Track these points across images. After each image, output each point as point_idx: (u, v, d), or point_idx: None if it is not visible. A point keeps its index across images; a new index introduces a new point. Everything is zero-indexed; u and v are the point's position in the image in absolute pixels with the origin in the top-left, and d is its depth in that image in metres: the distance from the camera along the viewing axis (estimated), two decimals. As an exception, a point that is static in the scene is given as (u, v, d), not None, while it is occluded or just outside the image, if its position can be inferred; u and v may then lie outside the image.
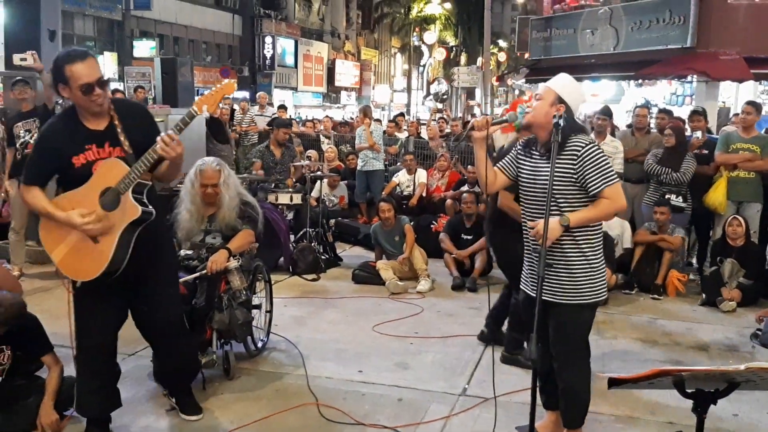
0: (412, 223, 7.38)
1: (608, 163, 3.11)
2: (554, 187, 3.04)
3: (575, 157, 3.08)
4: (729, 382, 2.35)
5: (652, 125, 8.53)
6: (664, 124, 7.60)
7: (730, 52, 13.40)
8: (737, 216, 6.58)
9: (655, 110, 11.77)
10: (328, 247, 7.68)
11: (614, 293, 6.30)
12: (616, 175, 3.12)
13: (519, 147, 3.38)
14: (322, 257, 7.33)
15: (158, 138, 3.04)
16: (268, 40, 30.16)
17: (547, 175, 3.06)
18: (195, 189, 4.40)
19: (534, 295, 2.96)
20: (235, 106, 12.22)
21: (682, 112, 13.14)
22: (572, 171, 3.08)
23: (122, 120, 3.18)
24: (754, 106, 7.07)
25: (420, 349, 5.03)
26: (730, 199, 6.81)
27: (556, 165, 3.05)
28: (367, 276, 6.86)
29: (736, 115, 9.37)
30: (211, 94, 2.97)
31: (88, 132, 3.17)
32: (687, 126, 8.11)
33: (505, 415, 3.83)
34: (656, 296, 6.50)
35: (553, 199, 3.06)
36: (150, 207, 3.18)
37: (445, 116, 16.47)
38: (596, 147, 3.12)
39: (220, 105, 11.41)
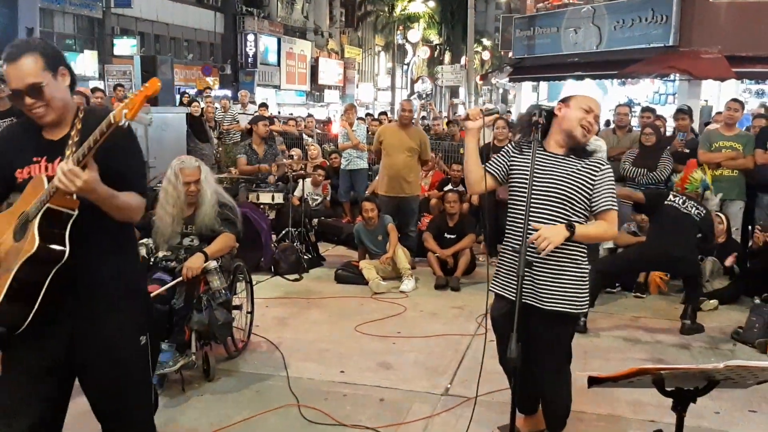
0: (395, 222, 7.35)
1: (614, 189, 3.17)
2: (570, 190, 3.05)
3: (597, 170, 3.09)
4: (708, 380, 2.35)
5: (633, 124, 8.57)
6: (648, 122, 7.63)
7: (712, 51, 13.52)
8: (719, 213, 6.61)
9: (637, 109, 11.86)
10: (311, 246, 7.64)
11: (598, 292, 6.30)
12: (617, 205, 3.17)
13: (510, 148, 3.29)
14: (305, 257, 7.28)
15: (59, 166, 2.25)
16: (251, 37, 30.01)
17: (560, 176, 3.06)
18: (178, 189, 4.30)
19: (513, 298, 2.90)
20: (217, 105, 12.13)
21: (665, 110, 13.25)
22: (590, 181, 3.08)
23: (84, 132, 2.38)
24: (739, 103, 7.14)
25: (402, 349, 5.01)
26: (713, 197, 6.84)
27: (575, 171, 3.07)
28: (350, 276, 6.83)
29: (719, 113, 9.44)
30: (133, 98, 2.35)
31: (43, 142, 2.49)
32: (674, 124, 8.15)
33: (487, 415, 3.81)
34: (639, 294, 6.51)
35: (564, 203, 3.05)
36: (64, 244, 2.31)
37: (428, 111, 16.45)
38: (612, 171, 3.19)
39: (201, 103, 11.33)
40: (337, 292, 6.52)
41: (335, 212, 9.65)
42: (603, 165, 3.12)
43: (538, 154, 3.08)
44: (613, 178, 3.15)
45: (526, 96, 20.79)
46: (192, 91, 21.76)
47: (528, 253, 2.91)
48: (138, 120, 2.38)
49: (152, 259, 4.31)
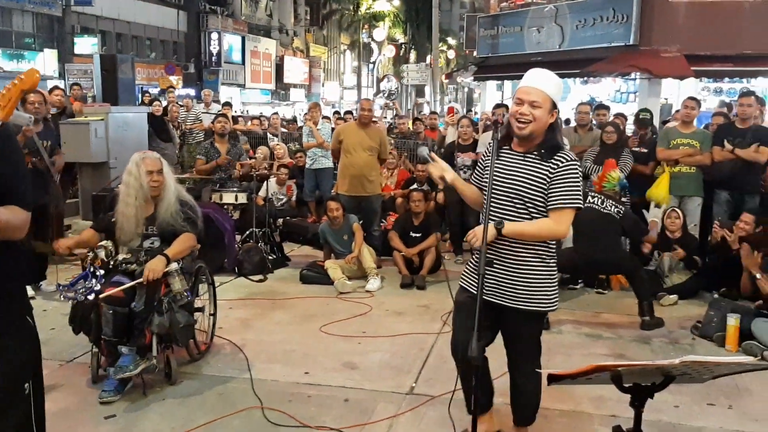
0: (361, 222, 7.34)
1: (580, 187, 3.03)
2: (528, 191, 2.99)
3: (555, 167, 2.98)
4: (665, 375, 2.38)
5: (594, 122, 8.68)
6: (604, 120, 7.74)
7: (671, 50, 13.76)
8: (675, 209, 6.73)
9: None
10: (275, 247, 7.58)
11: (559, 289, 6.36)
12: (579, 203, 3.03)
13: (484, 152, 3.29)
14: (269, 257, 7.23)
15: None
16: (214, 36, 29.75)
17: (521, 176, 3.01)
18: (140, 180, 4.23)
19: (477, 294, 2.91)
20: (179, 103, 11.99)
21: (627, 109, 13.44)
22: (547, 179, 2.99)
23: None
24: (696, 101, 7.27)
25: (368, 349, 5.00)
26: (672, 194, 6.96)
27: (535, 170, 2.99)
28: (315, 276, 6.80)
29: (678, 111, 9.61)
30: (5, 93, 2.01)
31: None
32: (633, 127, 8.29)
33: (451, 412, 3.82)
34: (600, 291, 6.60)
35: (526, 204, 3.01)
36: None
37: (393, 109, 16.45)
38: (577, 167, 3.04)
39: (163, 102, 11.18)
40: (302, 293, 6.48)
41: (301, 212, 9.60)
42: (564, 161, 2.98)
43: (503, 153, 3.08)
44: (576, 174, 3.01)
45: (490, 95, 20.93)
46: (155, 90, 21.50)
47: (488, 252, 2.92)
48: (14, 120, 1.90)
49: (111, 262, 4.24)
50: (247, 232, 7.49)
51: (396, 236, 7.24)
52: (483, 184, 3.15)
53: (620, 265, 5.78)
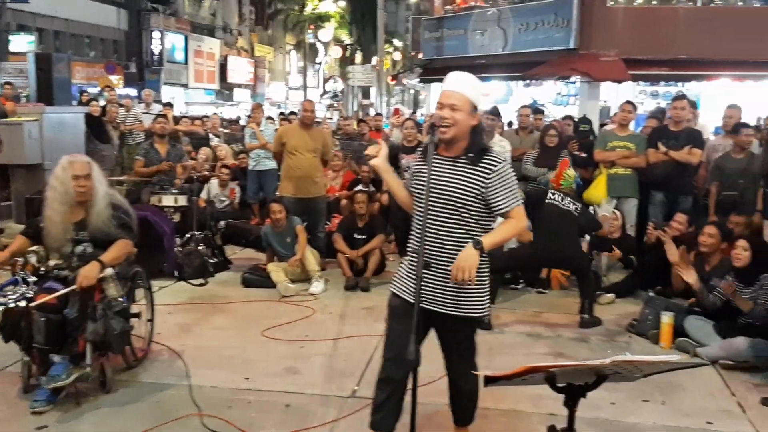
0: (305, 224, 7.29)
1: (516, 183, 3.08)
2: (461, 197, 2.98)
3: (489, 172, 2.98)
4: (597, 375, 2.43)
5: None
6: (540, 124, 7.90)
7: (610, 54, 14.10)
8: (614, 210, 6.89)
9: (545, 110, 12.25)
10: (217, 250, 7.47)
11: (501, 289, 6.44)
12: (520, 197, 3.09)
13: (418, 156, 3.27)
14: (210, 261, 7.10)
15: None
16: (156, 35, 29.10)
17: (453, 182, 3.00)
18: (67, 185, 4.09)
19: (413, 301, 2.90)
20: (120, 103, 11.69)
21: (568, 111, 13.71)
22: (482, 184, 2.99)
23: None
24: (632, 105, 7.48)
25: (310, 353, 4.96)
26: (609, 195, 7.12)
27: (467, 175, 2.99)
28: (257, 279, 6.72)
29: (615, 114, 9.86)
30: None
31: None
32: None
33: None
34: (541, 290, 6.71)
35: (458, 209, 3.00)
36: None
37: (339, 110, 16.41)
38: (509, 166, 3.07)
39: (101, 102, 10.89)
40: (243, 297, 6.40)
41: (244, 214, 9.48)
42: (495, 164, 3.00)
43: (433, 158, 3.05)
44: (511, 173, 3.04)
45: (435, 97, 21.00)
46: (95, 90, 20.96)
47: (426, 255, 2.93)
48: None
49: (43, 268, 4.10)
50: (188, 235, 7.35)
51: (340, 238, 7.21)
52: (414, 188, 3.14)
53: (579, 261, 5.91)
